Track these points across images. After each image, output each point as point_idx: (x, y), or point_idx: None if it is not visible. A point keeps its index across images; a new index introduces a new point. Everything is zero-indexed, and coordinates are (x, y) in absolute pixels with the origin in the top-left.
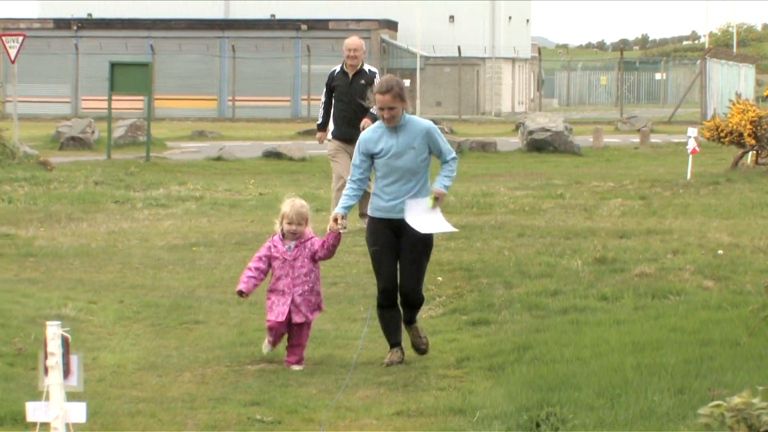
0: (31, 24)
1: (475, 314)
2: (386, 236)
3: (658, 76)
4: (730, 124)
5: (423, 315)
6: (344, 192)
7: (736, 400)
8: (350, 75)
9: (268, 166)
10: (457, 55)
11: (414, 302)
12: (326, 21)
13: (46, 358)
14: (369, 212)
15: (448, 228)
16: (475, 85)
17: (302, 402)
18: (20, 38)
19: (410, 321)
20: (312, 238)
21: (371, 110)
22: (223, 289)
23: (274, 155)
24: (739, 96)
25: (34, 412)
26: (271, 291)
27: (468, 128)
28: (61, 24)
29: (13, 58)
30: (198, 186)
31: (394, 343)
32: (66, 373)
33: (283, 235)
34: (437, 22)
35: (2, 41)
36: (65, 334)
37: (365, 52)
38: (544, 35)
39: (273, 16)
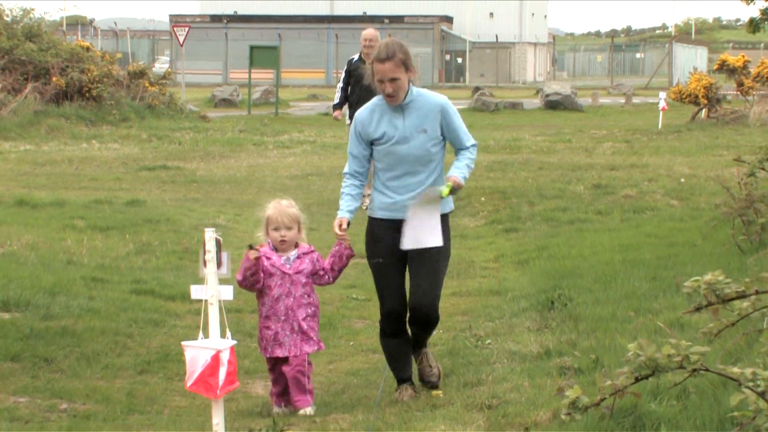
0: (194, 19)
1: (508, 224)
2: (391, 243)
3: (638, 55)
4: (689, 89)
5: (470, 225)
6: (344, 191)
7: (708, 276)
8: (368, 63)
9: None
10: (495, 40)
11: (428, 321)
12: (402, 17)
13: (205, 254)
14: (370, 213)
15: (435, 241)
16: (508, 62)
17: None
18: (186, 29)
19: (419, 344)
20: (314, 252)
21: None
22: (329, 206)
23: None
24: (696, 69)
25: (196, 292)
26: (268, 318)
27: (502, 92)
28: (215, 19)
29: (181, 43)
30: (312, 133)
31: (402, 378)
32: (218, 264)
33: (275, 247)
34: (481, 17)
35: (174, 31)
36: (218, 237)
37: (380, 41)
38: (557, 26)
39: (365, 12)
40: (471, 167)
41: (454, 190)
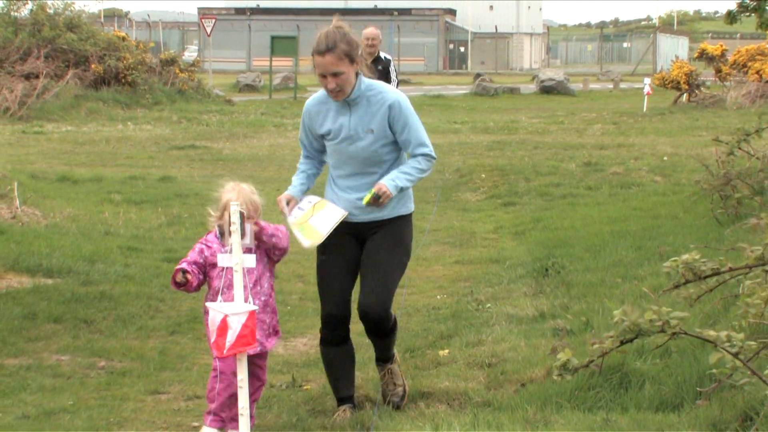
0: (220, 11)
1: (506, 198)
2: (341, 242)
3: (625, 44)
4: (671, 75)
5: (472, 199)
6: (298, 170)
7: (686, 256)
8: (368, 61)
9: None
10: (494, 31)
11: (379, 326)
12: (410, 9)
13: (230, 225)
14: None
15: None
16: (506, 50)
17: None
18: (213, 20)
19: (384, 358)
20: (264, 228)
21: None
22: None
23: None
24: (677, 57)
25: (222, 260)
26: (207, 312)
27: (501, 78)
28: (240, 11)
29: (208, 33)
30: None
31: (342, 397)
32: (242, 235)
33: (221, 233)
34: (482, 10)
35: (202, 22)
36: (242, 210)
37: (381, 41)
38: (551, 18)
39: (375, 6)
40: (412, 175)
41: (377, 198)
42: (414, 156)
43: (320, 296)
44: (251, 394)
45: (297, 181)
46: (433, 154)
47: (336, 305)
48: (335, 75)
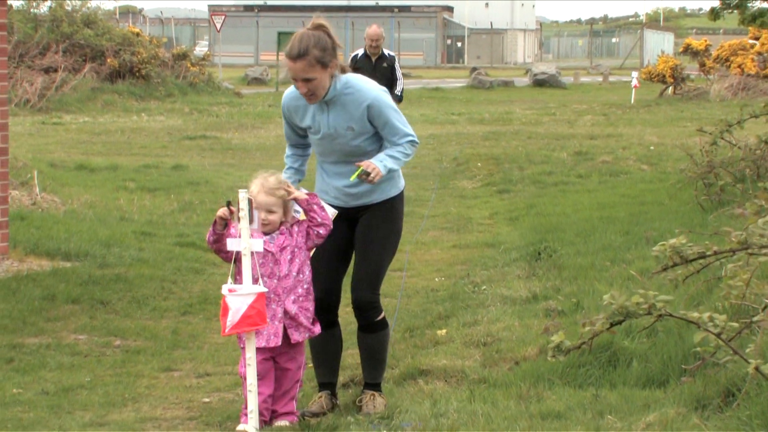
0: (229, 8)
1: (501, 186)
2: (334, 230)
3: (614, 39)
4: (658, 69)
5: (469, 187)
6: (286, 165)
7: (673, 241)
8: (373, 59)
9: None
10: (490, 27)
11: (365, 310)
12: (409, 6)
13: (238, 211)
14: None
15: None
16: (501, 45)
17: None
18: (222, 17)
19: (373, 383)
20: (311, 200)
21: (395, 91)
22: None
23: None
24: (663, 52)
25: (231, 244)
26: None
27: (496, 72)
28: (248, 8)
29: (218, 29)
30: None
31: (323, 382)
32: (250, 220)
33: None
34: (478, 7)
35: (212, 19)
36: (249, 197)
37: (384, 39)
38: (544, 14)
39: (377, 3)
40: (399, 159)
41: (366, 174)
42: (397, 144)
43: (313, 280)
44: (290, 388)
45: (288, 176)
46: (416, 139)
47: (322, 291)
48: (306, 81)
